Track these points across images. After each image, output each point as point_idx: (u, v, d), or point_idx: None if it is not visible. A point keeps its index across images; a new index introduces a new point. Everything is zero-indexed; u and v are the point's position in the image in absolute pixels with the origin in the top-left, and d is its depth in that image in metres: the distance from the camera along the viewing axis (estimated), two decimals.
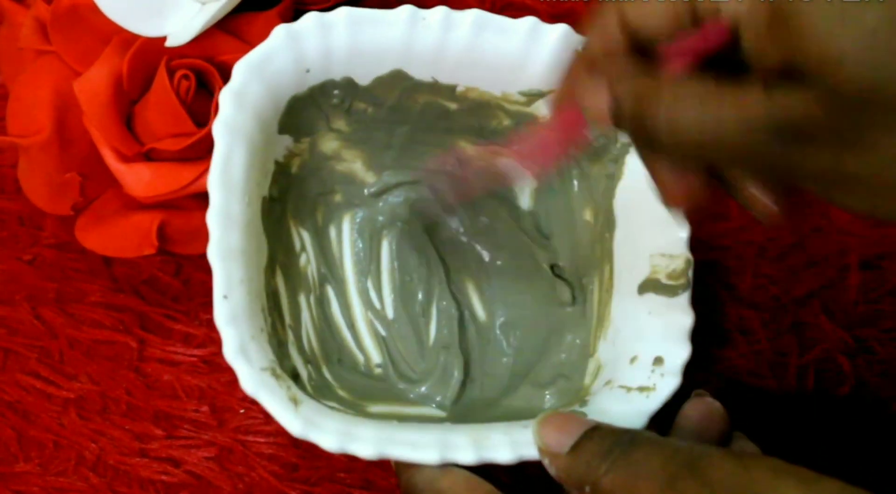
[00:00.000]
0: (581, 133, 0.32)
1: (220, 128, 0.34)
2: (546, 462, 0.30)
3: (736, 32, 0.26)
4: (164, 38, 0.39)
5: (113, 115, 0.39)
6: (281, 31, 0.35)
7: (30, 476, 0.41)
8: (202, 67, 0.39)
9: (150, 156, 0.40)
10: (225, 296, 0.32)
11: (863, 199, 0.25)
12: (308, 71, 0.36)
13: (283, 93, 0.36)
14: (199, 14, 0.39)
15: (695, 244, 0.43)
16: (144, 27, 0.39)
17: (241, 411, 0.42)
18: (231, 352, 0.31)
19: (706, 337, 0.42)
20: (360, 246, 0.42)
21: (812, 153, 0.24)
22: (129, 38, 0.39)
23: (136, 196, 0.39)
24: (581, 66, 0.30)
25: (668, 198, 0.30)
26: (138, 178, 0.39)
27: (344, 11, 0.35)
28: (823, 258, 0.44)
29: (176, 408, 0.42)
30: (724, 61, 0.27)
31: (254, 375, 0.31)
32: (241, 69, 0.34)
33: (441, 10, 0.36)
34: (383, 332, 0.41)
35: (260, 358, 0.32)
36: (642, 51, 0.28)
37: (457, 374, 0.39)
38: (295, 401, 0.32)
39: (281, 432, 0.42)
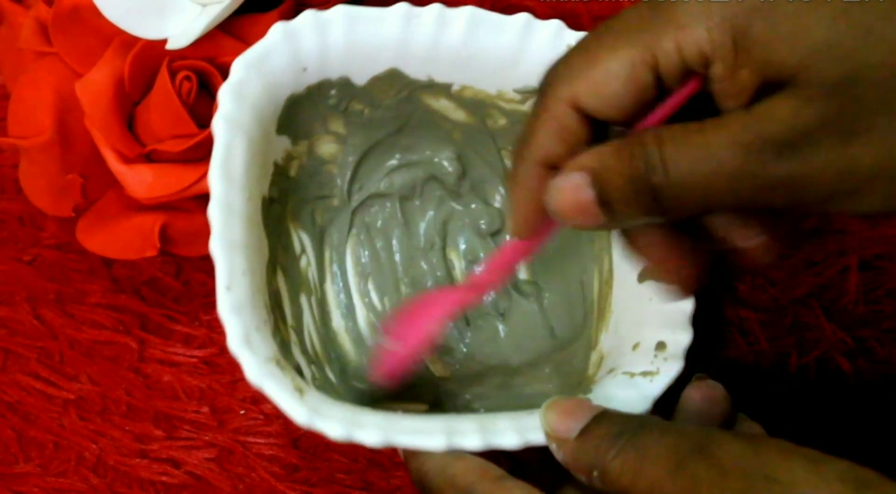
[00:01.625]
0: (542, 242, 0.32)
1: (220, 122, 0.34)
2: (553, 447, 0.30)
3: (704, 76, 0.26)
4: (165, 40, 0.39)
5: (114, 117, 0.39)
6: (278, 29, 0.35)
7: (30, 476, 0.41)
8: (204, 69, 0.40)
9: (151, 158, 0.40)
10: (228, 288, 0.32)
11: (885, 196, 0.24)
12: (305, 69, 0.36)
13: (281, 92, 0.36)
14: (200, 16, 0.39)
15: None
16: (145, 29, 0.39)
17: (242, 412, 0.42)
18: (235, 343, 0.31)
19: (706, 338, 0.43)
20: (360, 249, 0.42)
21: (818, 155, 0.24)
22: (130, 40, 0.39)
23: (137, 197, 0.39)
24: (536, 172, 0.29)
25: (675, 277, 0.30)
26: (140, 180, 0.39)
27: (340, 9, 0.36)
28: (823, 258, 0.44)
29: (176, 409, 0.42)
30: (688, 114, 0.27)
31: (259, 365, 0.31)
32: (239, 65, 0.35)
33: (435, 8, 0.36)
34: None
35: (264, 349, 0.32)
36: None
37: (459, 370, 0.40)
38: (300, 391, 0.31)
39: (281, 433, 0.42)
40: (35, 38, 0.40)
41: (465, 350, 0.41)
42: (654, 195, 0.26)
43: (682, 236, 0.29)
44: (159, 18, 0.39)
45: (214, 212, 0.32)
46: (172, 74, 0.39)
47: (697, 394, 0.33)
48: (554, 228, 0.31)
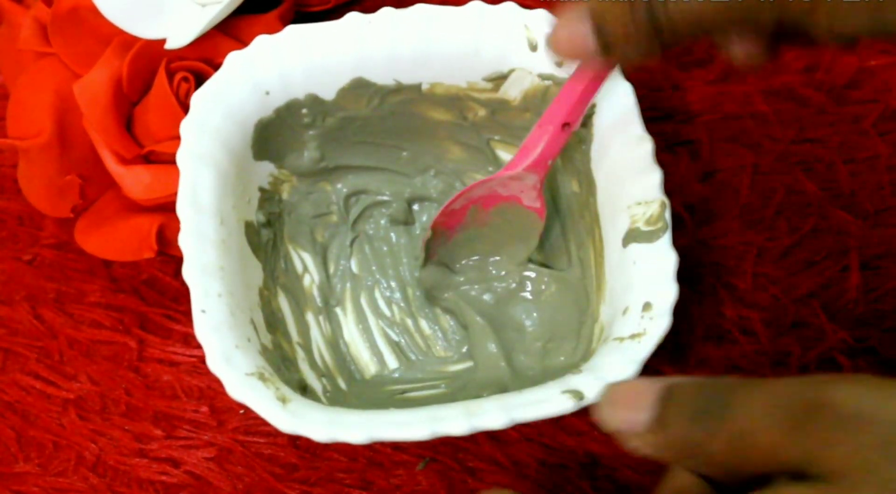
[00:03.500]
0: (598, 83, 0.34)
1: (185, 156, 0.34)
2: (632, 445, 0.26)
3: None
4: (163, 40, 0.39)
5: (113, 118, 0.39)
6: (233, 58, 0.36)
7: (29, 476, 0.41)
8: (202, 69, 0.40)
9: (149, 159, 0.40)
10: (203, 311, 0.33)
11: (870, 13, 0.26)
12: (268, 93, 0.36)
13: (246, 119, 0.36)
14: (199, 16, 0.39)
15: (695, 244, 0.43)
16: (144, 29, 0.39)
17: (241, 411, 0.42)
18: (214, 361, 0.32)
19: (707, 337, 0.42)
20: (365, 260, 0.42)
21: None
22: (129, 41, 0.39)
23: (135, 198, 0.39)
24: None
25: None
26: (138, 181, 0.39)
27: (289, 31, 0.36)
28: (823, 258, 0.43)
29: (175, 409, 0.42)
30: None
31: (239, 380, 0.32)
32: (198, 100, 0.35)
33: (385, 12, 0.36)
34: (395, 337, 0.41)
35: (246, 365, 0.32)
36: None
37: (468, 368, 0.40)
38: (283, 400, 0.32)
39: (280, 432, 0.42)
40: (34, 38, 0.40)
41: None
42: (656, 32, 0.29)
43: None
44: (158, 18, 0.39)
45: (185, 240, 0.33)
46: (170, 75, 0.39)
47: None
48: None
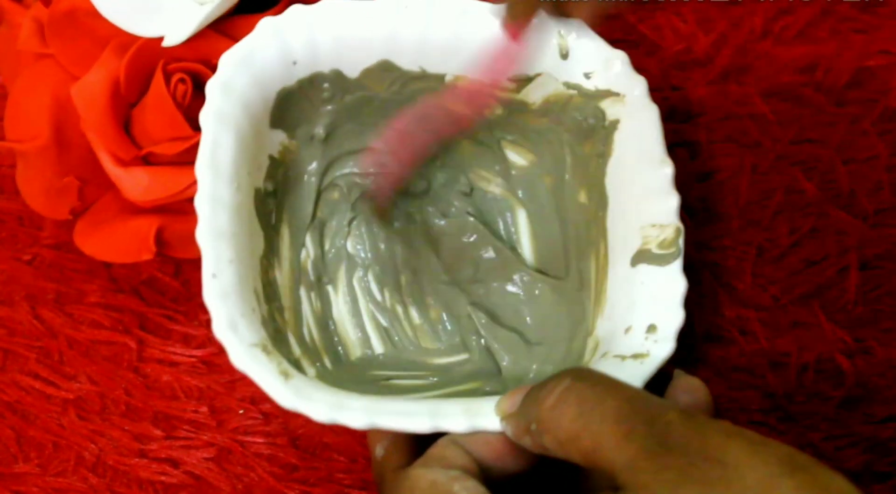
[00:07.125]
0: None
1: (208, 116, 0.34)
2: (503, 425, 0.30)
3: None
4: (160, 42, 0.39)
5: (110, 120, 0.39)
6: (266, 25, 0.35)
7: (29, 476, 0.41)
8: (199, 70, 0.39)
9: (147, 160, 0.40)
10: (214, 275, 0.32)
11: None
12: (295, 63, 0.36)
13: (270, 86, 0.36)
14: (196, 13, 0.39)
15: (695, 244, 0.43)
16: (141, 27, 0.39)
17: (241, 411, 0.42)
18: (220, 327, 0.31)
19: (706, 337, 0.42)
20: (360, 240, 0.42)
21: None
22: (126, 42, 0.39)
23: (133, 200, 0.39)
24: None
25: None
26: (136, 183, 0.39)
27: (327, 4, 0.36)
28: (823, 258, 0.43)
29: (175, 409, 0.42)
30: None
31: (243, 349, 0.31)
32: (226, 62, 0.35)
33: None
34: (385, 323, 0.41)
35: (250, 335, 0.32)
36: None
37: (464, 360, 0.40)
38: (286, 375, 0.32)
39: (280, 433, 0.42)
40: (33, 38, 0.40)
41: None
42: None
43: None
44: (155, 15, 0.39)
45: (201, 203, 0.33)
46: (167, 76, 0.39)
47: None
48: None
